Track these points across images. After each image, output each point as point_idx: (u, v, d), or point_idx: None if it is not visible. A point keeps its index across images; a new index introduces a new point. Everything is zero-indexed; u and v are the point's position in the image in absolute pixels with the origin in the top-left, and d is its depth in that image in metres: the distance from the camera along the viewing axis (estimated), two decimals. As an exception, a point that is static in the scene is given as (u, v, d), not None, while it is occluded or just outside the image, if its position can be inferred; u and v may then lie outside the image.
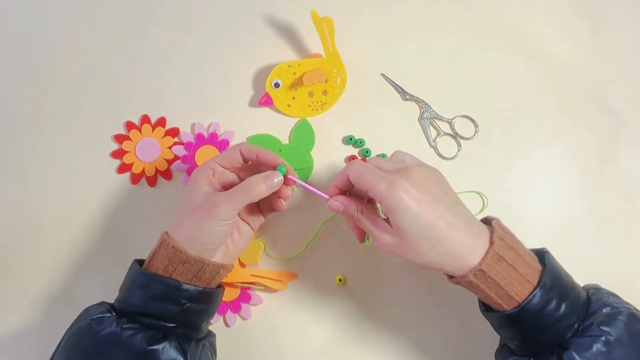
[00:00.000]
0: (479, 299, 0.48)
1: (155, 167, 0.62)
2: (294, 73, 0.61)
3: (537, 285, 0.43)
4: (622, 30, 0.64)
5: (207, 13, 0.66)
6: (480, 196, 0.60)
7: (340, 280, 0.59)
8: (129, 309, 0.47)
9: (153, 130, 0.62)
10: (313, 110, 0.62)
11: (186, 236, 0.47)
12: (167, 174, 0.62)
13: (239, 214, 0.52)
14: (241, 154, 0.51)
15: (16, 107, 0.64)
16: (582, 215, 0.60)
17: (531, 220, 0.60)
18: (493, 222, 0.46)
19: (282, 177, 0.50)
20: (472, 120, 0.62)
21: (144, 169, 0.62)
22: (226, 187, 0.51)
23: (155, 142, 0.62)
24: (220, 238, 0.48)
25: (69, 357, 0.46)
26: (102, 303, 0.50)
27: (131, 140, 0.62)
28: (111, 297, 0.59)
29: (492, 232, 0.45)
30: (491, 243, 0.44)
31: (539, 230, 0.60)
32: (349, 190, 0.50)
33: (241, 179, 0.51)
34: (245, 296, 0.59)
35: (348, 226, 0.60)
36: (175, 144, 0.62)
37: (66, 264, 0.61)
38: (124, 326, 0.45)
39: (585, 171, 0.61)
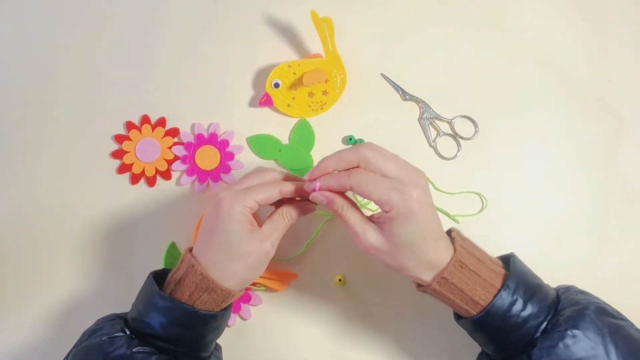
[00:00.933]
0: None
1: (155, 168, 0.62)
2: (294, 73, 0.61)
3: (501, 288, 0.45)
4: (623, 30, 0.63)
5: (207, 13, 0.65)
6: (480, 197, 0.60)
7: (340, 280, 0.59)
8: (144, 330, 0.46)
9: (153, 131, 0.62)
10: (313, 110, 0.62)
11: (239, 282, 0.47)
12: (167, 174, 0.62)
13: None
14: (281, 194, 0.48)
15: (15, 108, 0.64)
16: (582, 215, 0.60)
17: (531, 221, 0.60)
18: (453, 232, 0.48)
19: (314, 206, 0.50)
20: (472, 120, 0.62)
21: (143, 169, 0.62)
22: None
23: (155, 142, 0.62)
24: (262, 272, 0.49)
25: None
26: (116, 320, 0.48)
27: (131, 140, 0.62)
28: (111, 298, 0.60)
29: (453, 241, 0.46)
30: (454, 251, 0.45)
31: (539, 230, 0.60)
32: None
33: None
34: (245, 296, 0.59)
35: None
36: (175, 144, 0.62)
37: (66, 264, 0.61)
38: (134, 349, 0.44)
39: (585, 171, 0.61)
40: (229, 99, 0.63)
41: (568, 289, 0.49)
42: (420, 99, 0.63)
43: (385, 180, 0.44)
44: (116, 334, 0.45)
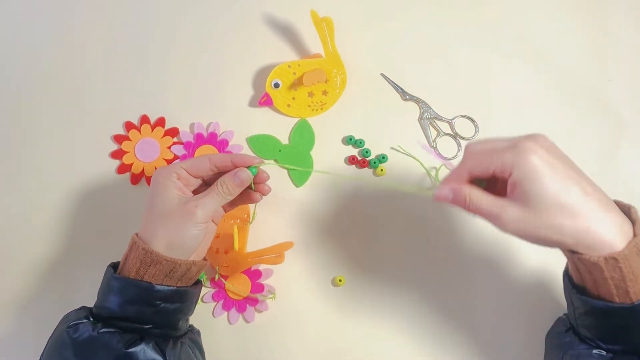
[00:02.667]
0: (569, 277, 0.45)
1: (155, 167, 0.61)
2: (294, 73, 0.61)
3: None
4: (622, 31, 0.63)
5: (207, 13, 0.65)
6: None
7: (340, 280, 0.59)
8: (105, 313, 0.47)
9: (152, 130, 0.62)
10: (313, 110, 0.62)
11: (165, 242, 0.47)
12: (167, 174, 0.62)
13: None
14: (213, 164, 0.50)
15: (14, 109, 0.64)
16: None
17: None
18: (632, 209, 0.42)
19: (250, 172, 0.50)
20: (472, 120, 0.62)
21: (143, 169, 0.62)
22: (192, 190, 0.51)
23: (154, 142, 0.62)
24: (199, 241, 0.48)
25: None
26: (82, 308, 0.49)
27: (130, 140, 0.62)
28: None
29: (635, 222, 0.41)
30: (635, 234, 0.40)
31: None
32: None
33: (205, 183, 0.52)
34: (252, 299, 0.59)
35: (348, 226, 0.60)
36: (174, 143, 0.62)
37: (67, 266, 0.61)
38: (100, 331, 0.45)
39: (585, 171, 0.61)
40: (229, 99, 0.63)
41: None
42: (420, 99, 0.63)
43: (499, 141, 0.42)
44: (79, 321, 0.46)
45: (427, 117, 0.62)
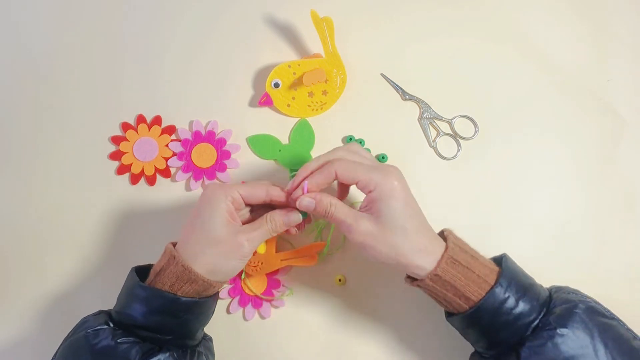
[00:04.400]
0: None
1: (155, 166, 0.61)
2: (294, 73, 0.61)
3: (493, 284, 0.45)
4: (622, 30, 0.64)
5: (207, 13, 0.65)
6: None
7: (340, 280, 0.58)
8: (127, 321, 0.47)
9: (149, 130, 0.62)
10: (313, 110, 0.62)
11: (207, 268, 0.47)
12: (167, 172, 0.61)
13: None
14: (269, 197, 0.50)
15: (9, 117, 0.64)
16: (581, 215, 0.60)
17: (531, 221, 0.60)
18: (445, 231, 0.49)
19: (301, 216, 0.50)
20: (472, 120, 0.62)
21: (143, 168, 0.61)
22: (241, 219, 0.51)
23: (152, 141, 0.62)
24: (238, 271, 0.50)
25: None
26: (100, 313, 0.49)
27: (128, 140, 0.62)
28: (112, 301, 0.59)
29: (446, 239, 0.47)
30: (446, 248, 0.46)
31: (539, 230, 0.60)
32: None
33: (252, 213, 0.52)
34: (268, 294, 0.59)
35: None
36: (172, 141, 0.62)
37: (68, 267, 0.61)
38: (119, 340, 0.45)
39: (585, 171, 0.61)
40: (228, 99, 0.63)
41: (560, 288, 0.49)
42: (420, 99, 0.63)
43: (366, 163, 0.47)
44: (100, 327, 0.46)
45: (427, 117, 0.62)
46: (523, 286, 0.46)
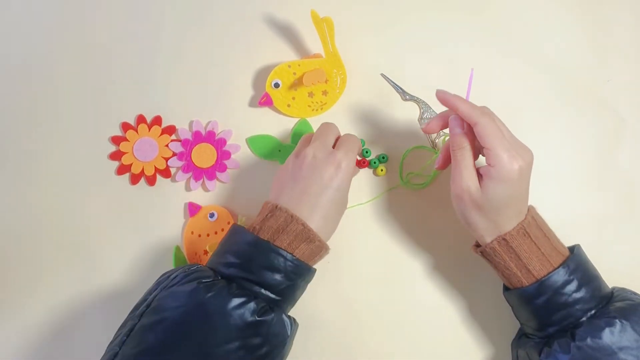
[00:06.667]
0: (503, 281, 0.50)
1: (155, 166, 0.61)
2: (294, 73, 0.61)
3: (560, 265, 0.46)
4: (622, 31, 0.64)
5: (207, 13, 0.65)
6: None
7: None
8: (239, 274, 0.47)
9: (149, 130, 0.62)
10: (313, 110, 0.62)
11: (332, 232, 0.51)
12: (167, 173, 0.61)
13: None
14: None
15: (11, 114, 0.64)
16: (581, 215, 0.60)
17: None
18: (530, 207, 0.49)
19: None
20: (472, 121, 0.62)
21: (143, 168, 0.61)
22: None
23: (152, 141, 0.62)
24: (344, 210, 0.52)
25: (172, 323, 0.43)
26: (203, 267, 0.48)
27: (128, 140, 0.62)
28: (112, 301, 0.59)
29: (527, 211, 0.48)
30: (524, 219, 0.47)
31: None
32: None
33: None
34: None
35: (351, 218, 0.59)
36: (172, 141, 0.62)
37: (67, 267, 0.61)
38: (235, 292, 0.45)
39: (585, 171, 0.61)
40: (229, 99, 0.63)
41: (623, 289, 0.50)
42: (420, 99, 0.62)
43: (506, 140, 0.47)
44: (214, 280, 0.46)
45: (427, 117, 0.62)
46: (589, 275, 0.47)
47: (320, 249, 0.49)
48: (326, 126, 0.54)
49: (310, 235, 0.48)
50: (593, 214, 0.60)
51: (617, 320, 0.43)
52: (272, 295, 0.47)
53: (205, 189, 0.61)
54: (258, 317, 0.44)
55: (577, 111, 0.62)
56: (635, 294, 0.49)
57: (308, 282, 0.51)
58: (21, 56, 0.65)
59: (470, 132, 0.49)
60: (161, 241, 0.60)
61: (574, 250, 0.49)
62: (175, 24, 0.65)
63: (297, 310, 0.52)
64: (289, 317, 0.48)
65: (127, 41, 0.65)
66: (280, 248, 0.47)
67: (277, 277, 0.47)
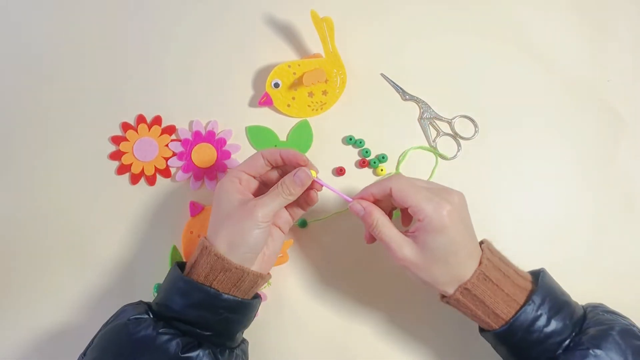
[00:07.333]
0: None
1: (155, 166, 0.61)
2: (294, 73, 0.61)
3: (524, 303, 0.45)
4: (623, 30, 0.64)
5: (207, 13, 0.65)
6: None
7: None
8: (167, 313, 0.47)
9: (149, 130, 0.62)
10: (313, 110, 0.62)
11: (227, 242, 0.47)
12: (167, 172, 0.61)
13: None
14: (265, 159, 0.51)
15: (12, 114, 0.64)
16: (581, 215, 0.60)
17: (531, 220, 0.60)
18: (483, 245, 0.48)
19: (309, 171, 0.49)
20: (472, 120, 0.62)
21: (143, 168, 0.61)
22: (254, 194, 0.51)
23: (152, 141, 0.62)
24: (261, 242, 0.48)
25: (102, 353, 0.45)
26: (140, 303, 0.50)
27: (128, 140, 0.62)
28: (112, 300, 0.59)
29: (482, 253, 0.47)
30: (479, 263, 0.46)
31: (539, 230, 0.60)
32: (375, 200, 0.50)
33: (264, 185, 0.52)
34: None
35: (346, 224, 0.59)
36: (172, 141, 0.62)
37: (67, 267, 0.60)
38: (160, 330, 0.45)
39: (585, 171, 0.61)
40: (228, 99, 0.63)
41: (596, 307, 0.49)
42: (420, 99, 0.63)
43: (424, 190, 0.46)
44: (141, 316, 0.46)
45: (427, 117, 0.62)
46: (557, 304, 0.46)
47: (240, 274, 0.47)
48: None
49: (225, 264, 0.46)
50: (593, 214, 0.60)
51: (590, 351, 0.43)
52: (199, 331, 0.47)
53: (206, 189, 0.61)
54: (182, 354, 0.44)
55: (577, 111, 0.62)
56: (606, 311, 0.48)
57: (243, 313, 0.49)
58: (21, 56, 0.65)
59: (381, 201, 0.49)
60: (161, 241, 0.60)
61: (538, 277, 0.47)
62: (176, 24, 0.65)
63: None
64: (229, 349, 0.49)
65: (127, 41, 0.65)
66: (199, 282, 0.47)
67: (200, 311, 0.46)
